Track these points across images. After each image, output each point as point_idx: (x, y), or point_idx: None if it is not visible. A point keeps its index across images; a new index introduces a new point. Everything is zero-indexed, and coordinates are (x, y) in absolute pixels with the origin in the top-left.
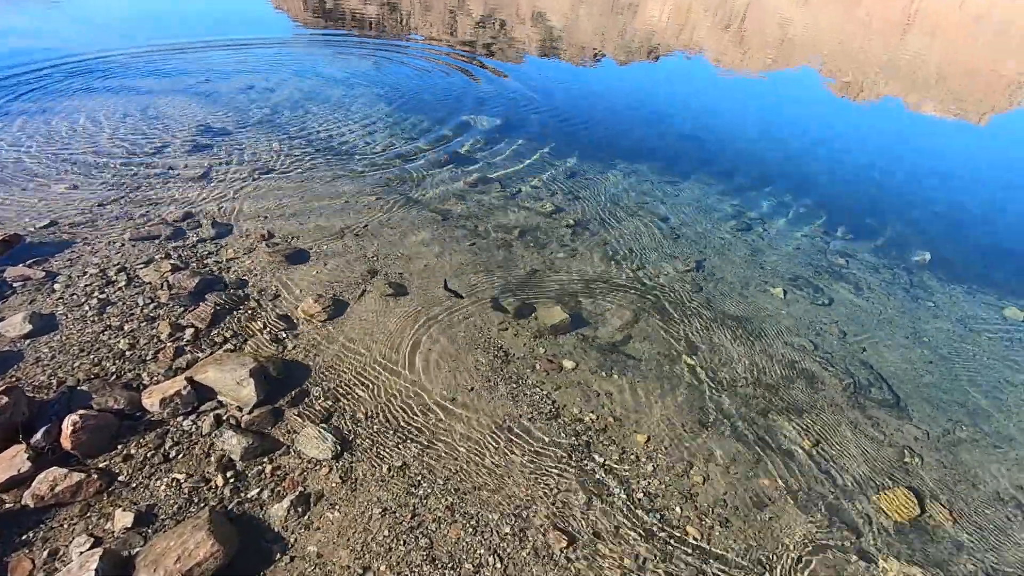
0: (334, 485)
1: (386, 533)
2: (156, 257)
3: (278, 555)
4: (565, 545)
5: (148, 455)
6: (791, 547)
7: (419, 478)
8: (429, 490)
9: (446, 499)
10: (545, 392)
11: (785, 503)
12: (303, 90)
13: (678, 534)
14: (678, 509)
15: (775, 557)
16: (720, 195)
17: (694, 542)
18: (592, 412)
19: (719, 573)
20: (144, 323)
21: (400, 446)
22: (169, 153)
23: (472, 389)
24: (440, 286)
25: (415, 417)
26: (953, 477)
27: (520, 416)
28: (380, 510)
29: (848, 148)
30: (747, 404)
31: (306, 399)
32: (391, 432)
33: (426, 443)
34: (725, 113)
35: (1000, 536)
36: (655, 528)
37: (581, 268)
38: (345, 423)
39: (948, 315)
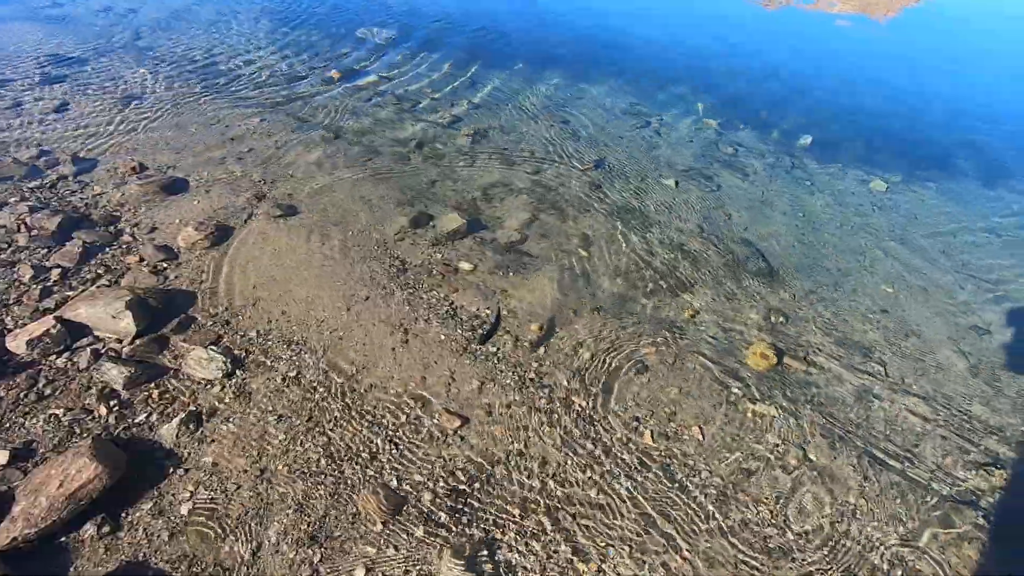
0: (228, 401)
1: (282, 437)
2: (10, 200)
3: (172, 469)
4: (458, 426)
5: (20, 395)
6: (666, 402)
7: (315, 384)
8: (326, 394)
9: (343, 400)
10: (443, 294)
11: (666, 368)
12: (172, 8)
13: (565, 405)
14: (565, 383)
15: (653, 414)
16: (622, 98)
17: (579, 410)
18: (488, 308)
19: (603, 432)
20: (1, 268)
21: (295, 358)
22: (16, 87)
23: (368, 298)
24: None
25: (309, 329)
26: (813, 329)
27: (417, 318)
28: (276, 417)
29: (752, 52)
30: (636, 286)
31: (193, 325)
32: (285, 346)
33: (322, 352)
34: (636, 22)
35: (844, 374)
36: (543, 402)
37: (480, 175)
38: (236, 343)
39: (822, 191)
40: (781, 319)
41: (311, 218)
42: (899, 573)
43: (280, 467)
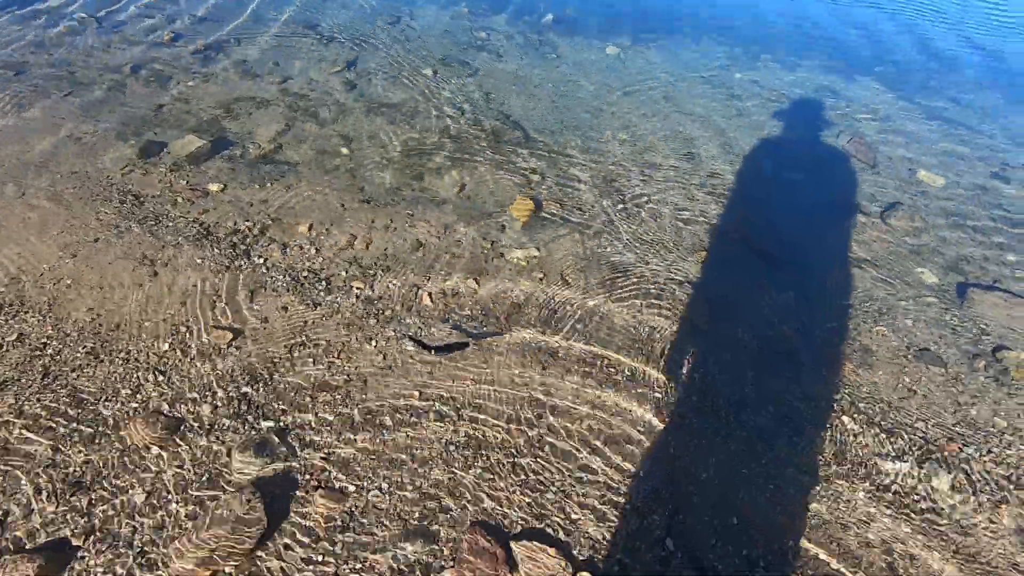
0: None
1: (12, 401)
2: None
3: None
4: (231, 338)
5: None
6: (443, 265)
7: (47, 339)
8: (63, 345)
9: (87, 344)
10: (192, 218)
11: (438, 238)
12: None
13: (344, 292)
14: (344, 273)
15: (429, 277)
16: None
17: (358, 292)
18: (248, 221)
19: (386, 308)
20: None
21: (15, 322)
22: None
23: (98, 240)
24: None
25: (31, 289)
26: (563, 182)
27: (163, 247)
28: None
29: None
30: (404, 173)
31: None
32: (2, 316)
33: (48, 306)
34: None
35: (590, 210)
36: (321, 294)
37: (218, 92)
38: None
39: (567, 60)
40: (537, 176)
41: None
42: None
43: (16, 431)
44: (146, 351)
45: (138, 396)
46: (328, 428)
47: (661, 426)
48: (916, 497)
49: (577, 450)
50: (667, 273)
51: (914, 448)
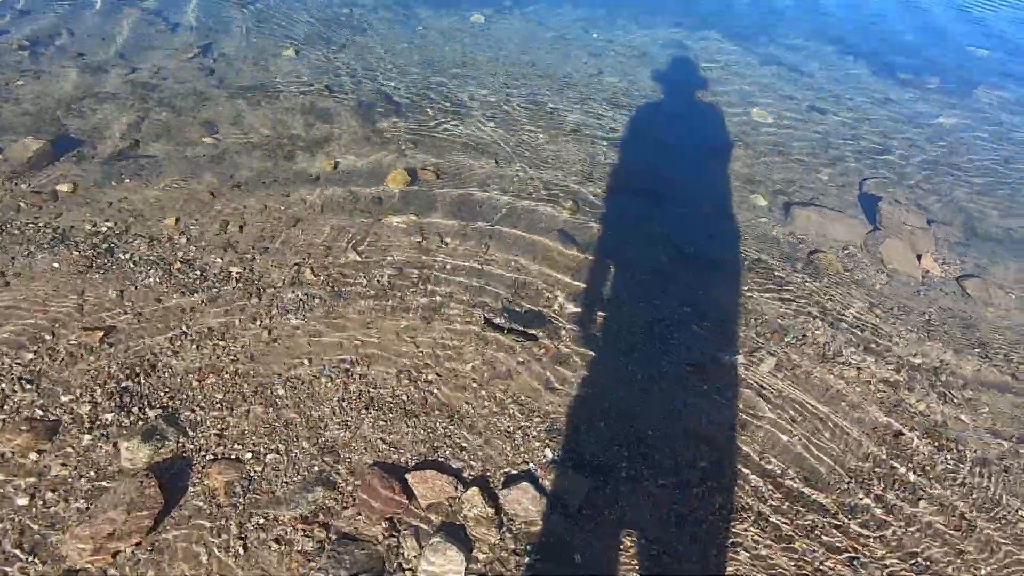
0: None
1: None
2: None
3: None
4: (102, 335)
5: None
6: (322, 241)
7: None
8: None
9: None
10: (42, 223)
11: (315, 214)
12: None
13: (222, 277)
14: (219, 260)
15: (311, 255)
16: None
17: (237, 277)
18: (108, 220)
19: (266, 286)
20: None
21: None
22: None
23: None
24: None
25: None
26: (432, 147)
27: (14, 258)
28: None
29: None
30: (274, 155)
31: None
32: None
33: None
34: None
35: (465, 174)
36: (197, 282)
37: (54, 89)
38: None
39: (433, 31)
40: (411, 146)
41: None
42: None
43: None
44: (8, 363)
45: (5, 407)
46: (220, 406)
47: (543, 358)
48: (744, 378)
49: (464, 390)
50: (547, 223)
51: (746, 343)
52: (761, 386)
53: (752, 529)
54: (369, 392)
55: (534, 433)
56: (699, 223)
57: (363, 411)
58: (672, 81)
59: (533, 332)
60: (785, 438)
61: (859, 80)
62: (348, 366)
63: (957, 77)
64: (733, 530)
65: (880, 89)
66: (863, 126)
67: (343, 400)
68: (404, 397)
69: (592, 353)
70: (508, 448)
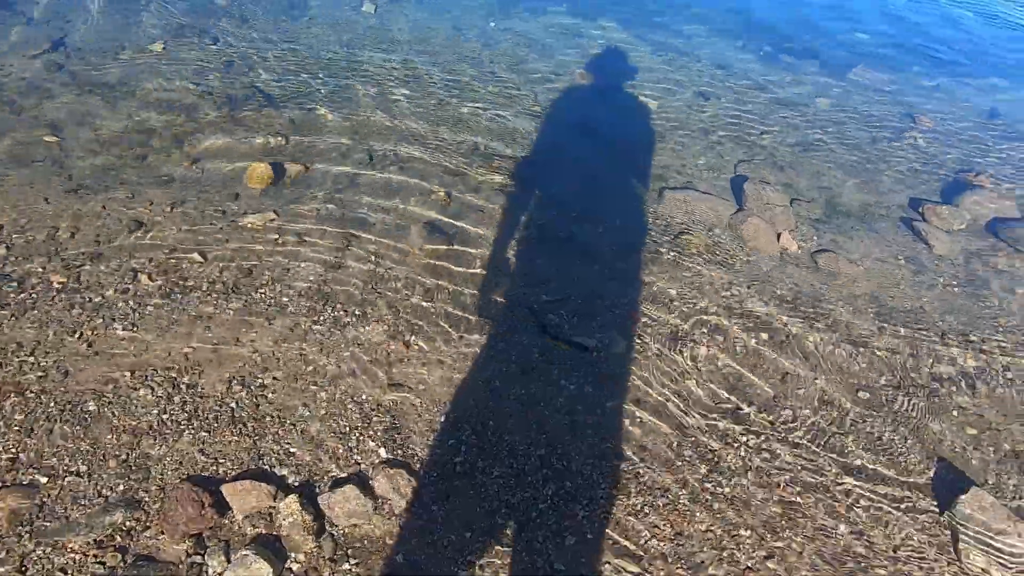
0: None
1: None
2: None
3: None
4: None
5: None
6: (170, 243)
7: None
8: None
9: None
10: None
11: (164, 215)
12: None
13: (42, 286)
14: (40, 268)
15: (152, 259)
16: None
17: (59, 286)
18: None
19: (95, 296)
20: None
21: None
22: None
23: None
24: None
25: None
26: (304, 141)
27: None
28: None
29: None
30: (123, 155)
31: None
32: None
33: None
34: None
35: (336, 168)
36: (11, 296)
37: None
38: None
39: (319, 21)
40: (282, 139)
41: None
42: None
43: None
44: None
45: None
46: (18, 428)
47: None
48: (595, 362)
49: (302, 392)
50: (417, 215)
51: (604, 326)
52: (611, 369)
53: (582, 513)
54: (194, 402)
55: (371, 433)
56: (573, 209)
57: (185, 423)
58: (565, 69)
59: (586, 343)
60: (627, 421)
61: (745, 66)
62: (175, 375)
63: (835, 60)
64: (565, 517)
65: (763, 74)
66: (743, 110)
67: (163, 412)
68: (233, 405)
69: (439, 347)
70: (341, 450)
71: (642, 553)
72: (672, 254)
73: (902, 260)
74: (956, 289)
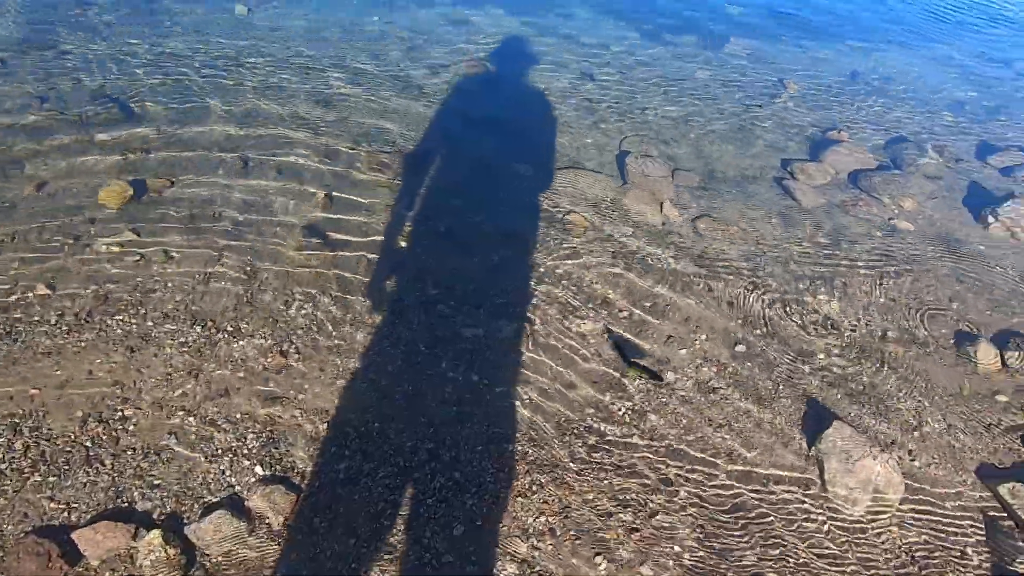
0: None
1: None
2: None
3: None
4: None
5: None
6: (5, 283)
7: None
8: None
9: None
10: None
11: (17, 245)
12: None
13: None
14: None
15: (17, 283)
16: None
17: None
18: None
19: None
20: None
21: None
22: None
23: None
24: None
25: None
26: (171, 153)
27: None
28: None
29: None
30: None
31: None
32: None
33: None
34: None
35: (203, 175)
36: None
37: None
38: None
39: (183, 23)
40: (143, 154)
41: None
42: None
43: None
44: None
45: None
46: None
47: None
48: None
49: (168, 419)
50: (295, 220)
51: (492, 313)
52: (498, 356)
53: (471, 502)
54: (40, 446)
55: (246, 451)
56: (459, 199)
57: (29, 469)
58: (451, 59)
59: (660, 373)
60: (516, 403)
61: (628, 44)
62: (17, 420)
63: (711, 33)
64: (453, 508)
65: (645, 51)
66: (627, 87)
67: (1, 462)
68: (88, 443)
69: (320, 354)
70: (212, 474)
71: (532, 530)
72: (559, 234)
73: (774, 218)
74: (821, 239)
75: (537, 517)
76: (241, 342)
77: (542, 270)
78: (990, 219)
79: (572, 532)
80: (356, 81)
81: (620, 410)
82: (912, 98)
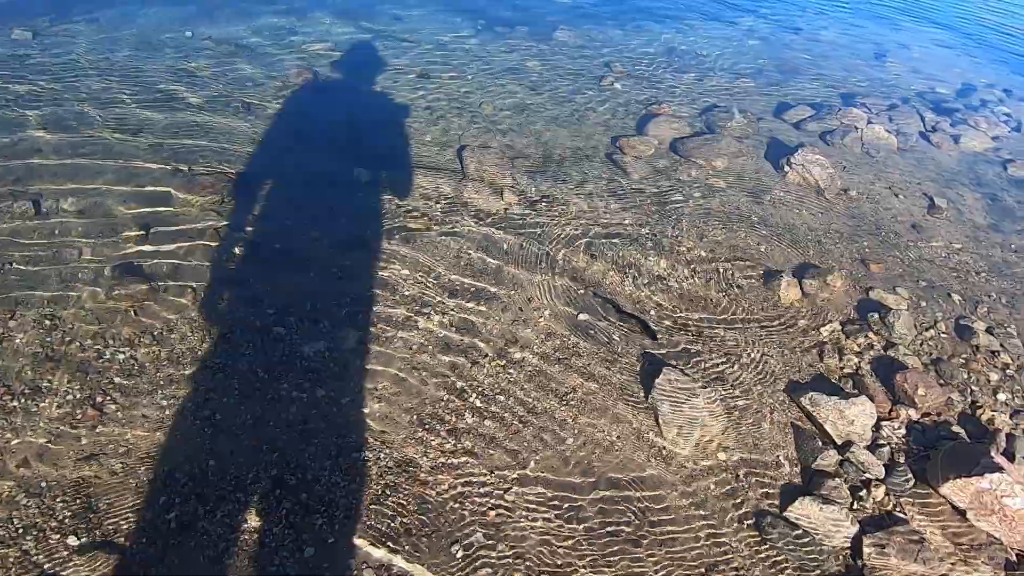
0: None
1: None
2: None
3: None
4: None
5: None
6: None
7: None
8: None
9: None
10: None
11: None
12: None
13: None
14: None
15: None
16: None
17: None
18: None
19: None
20: None
21: None
22: None
23: None
24: None
25: None
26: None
27: None
28: None
29: None
30: None
31: None
32: None
33: None
34: None
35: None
36: None
37: None
38: None
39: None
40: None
41: None
42: None
43: None
44: None
45: None
46: None
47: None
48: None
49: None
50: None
51: (337, 324)
52: (344, 366)
53: (320, 521)
54: None
55: (55, 523)
56: (290, 215)
57: None
58: (279, 71)
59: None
60: (364, 411)
61: (462, 41)
62: None
63: (540, 25)
64: (303, 531)
65: (480, 45)
66: (463, 83)
67: None
68: None
69: (142, 400)
70: (12, 558)
71: (388, 534)
72: (400, 235)
73: (605, 192)
74: (649, 205)
75: (394, 520)
76: (42, 403)
77: (385, 274)
78: (786, 168)
79: (427, 527)
80: (169, 104)
81: (471, 393)
82: (721, 68)
